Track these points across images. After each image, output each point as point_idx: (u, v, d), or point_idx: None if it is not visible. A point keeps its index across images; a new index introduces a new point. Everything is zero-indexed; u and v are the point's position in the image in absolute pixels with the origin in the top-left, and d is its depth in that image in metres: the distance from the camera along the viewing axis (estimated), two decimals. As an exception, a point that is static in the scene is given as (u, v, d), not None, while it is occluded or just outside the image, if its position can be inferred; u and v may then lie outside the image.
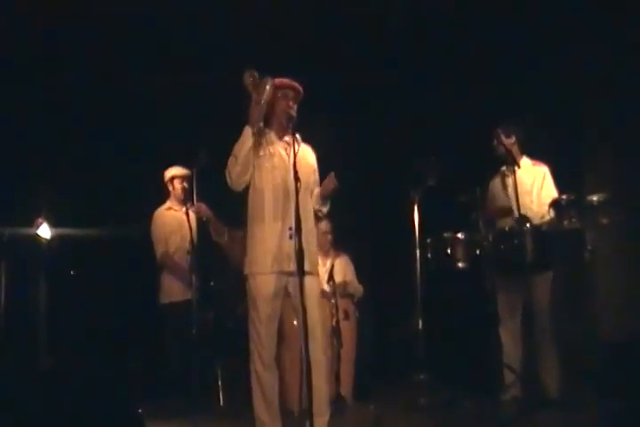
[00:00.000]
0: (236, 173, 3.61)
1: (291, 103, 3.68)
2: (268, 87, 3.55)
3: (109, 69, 5.61)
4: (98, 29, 5.22)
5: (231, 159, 3.62)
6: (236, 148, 3.61)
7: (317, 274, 3.74)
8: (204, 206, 4.68)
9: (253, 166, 3.64)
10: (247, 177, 3.64)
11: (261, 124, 3.68)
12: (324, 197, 3.79)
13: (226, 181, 3.66)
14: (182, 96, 5.74)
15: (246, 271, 3.66)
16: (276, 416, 3.60)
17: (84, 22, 5.15)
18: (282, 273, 3.58)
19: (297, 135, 3.61)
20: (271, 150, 3.68)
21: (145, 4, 4.98)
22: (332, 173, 3.72)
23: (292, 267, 3.43)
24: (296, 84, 3.74)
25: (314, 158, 3.85)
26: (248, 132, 3.60)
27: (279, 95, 3.68)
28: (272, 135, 3.73)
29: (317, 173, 3.85)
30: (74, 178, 5.66)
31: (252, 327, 3.58)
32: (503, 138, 4.57)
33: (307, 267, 3.44)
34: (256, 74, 3.57)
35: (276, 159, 3.67)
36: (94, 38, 5.30)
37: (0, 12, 4.88)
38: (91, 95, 5.68)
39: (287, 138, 3.67)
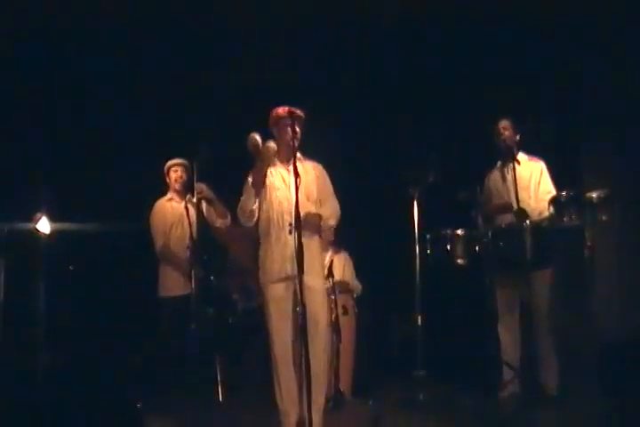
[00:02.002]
0: (242, 221, 3.91)
1: (289, 131, 3.73)
2: (270, 155, 3.72)
3: (109, 68, 5.60)
4: (98, 26, 5.21)
5: (239, 210, 3.86)
6: (241, 203, 3.85)
7: (319, 275, 3.89)
8: (204, 187, 4.56)
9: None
10: (254, 220, 3.88)
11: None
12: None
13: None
14: (182, 91, 5.73)
15: (260, 280, 3.90)
16: (294, 406, 3.72)
17: (86, 19, 5.13)
18: (287, 278, 3.75)
19: (299, 155, 3.79)
20: (273, 176, 3.85)
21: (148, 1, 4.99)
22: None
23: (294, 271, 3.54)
24: (292, 111, 3.78)
25: (321, 174, 3.97)
26: (251, 192, 3.79)
27: (279, 125, 3.82)
28: (277, 162, 3.89)
29: (327, 188, 3.98)
30: (73, 172, 5.65)
31: (268, 324, 3.80)
32: (510, 133, 4.56)
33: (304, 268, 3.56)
34: (258, 138, 3.67)
35: (277, 182, 3.84)
36: (95, 35, 5.29)
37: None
38: (90, 92, 5.68)
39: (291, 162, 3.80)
